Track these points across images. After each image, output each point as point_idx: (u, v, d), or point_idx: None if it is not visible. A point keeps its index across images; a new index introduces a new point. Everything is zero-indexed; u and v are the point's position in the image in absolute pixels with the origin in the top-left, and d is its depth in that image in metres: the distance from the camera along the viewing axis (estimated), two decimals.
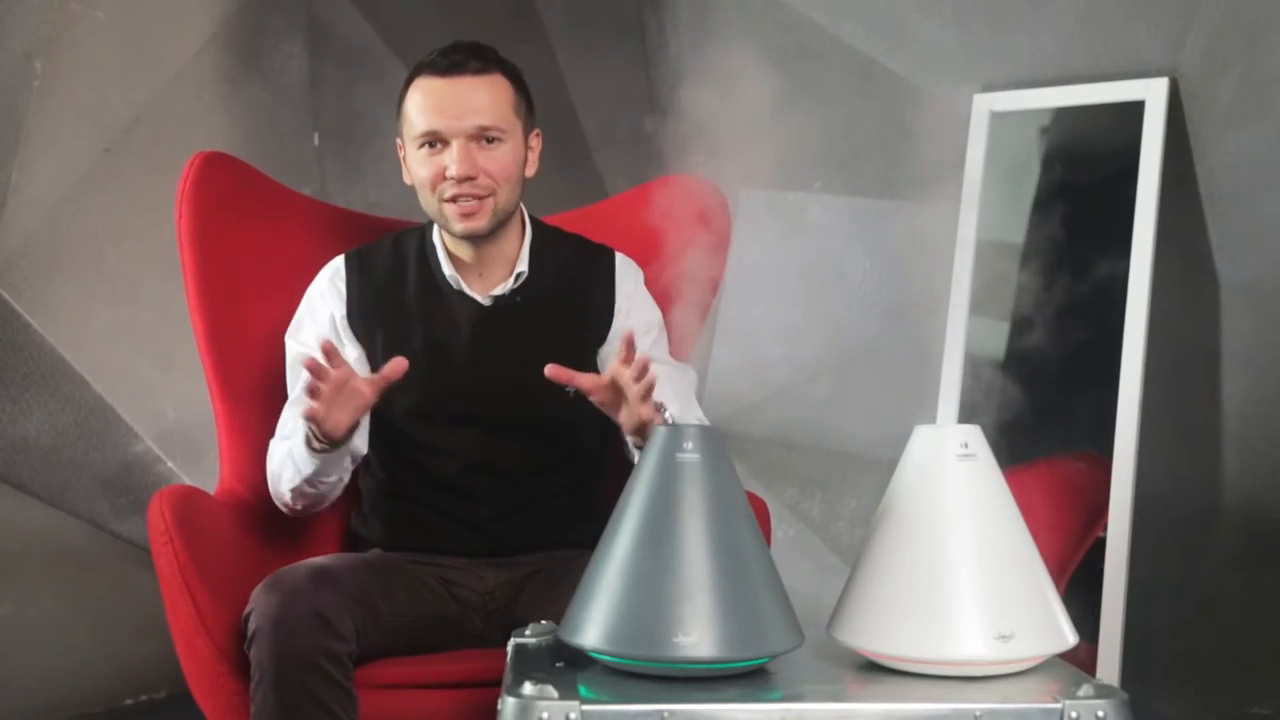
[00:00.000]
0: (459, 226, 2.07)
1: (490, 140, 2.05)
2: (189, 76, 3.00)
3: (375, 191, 3.20)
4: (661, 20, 3.34)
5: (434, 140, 2.05)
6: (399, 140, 2.13)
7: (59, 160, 2.83)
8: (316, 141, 3.20)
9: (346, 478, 2.09)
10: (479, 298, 2.13)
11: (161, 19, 2.98)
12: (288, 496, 2.05)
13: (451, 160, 2.03)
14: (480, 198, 2.05)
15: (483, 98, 2.05)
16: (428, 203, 2.09)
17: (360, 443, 2.10)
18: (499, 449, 2.10)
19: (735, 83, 3.09)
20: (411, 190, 2.14)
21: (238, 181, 2.34)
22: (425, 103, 2.05)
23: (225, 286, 2.27)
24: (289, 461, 2.01)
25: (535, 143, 2.15)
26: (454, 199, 2.05)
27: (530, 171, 2.14)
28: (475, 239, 2.10)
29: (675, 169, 3.17)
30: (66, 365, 2.85)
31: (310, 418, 1.89)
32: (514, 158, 2.08)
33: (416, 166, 2.07)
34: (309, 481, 2.02)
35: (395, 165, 2.19)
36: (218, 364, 2.25)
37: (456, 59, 2.05)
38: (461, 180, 2.03)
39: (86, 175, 2.87)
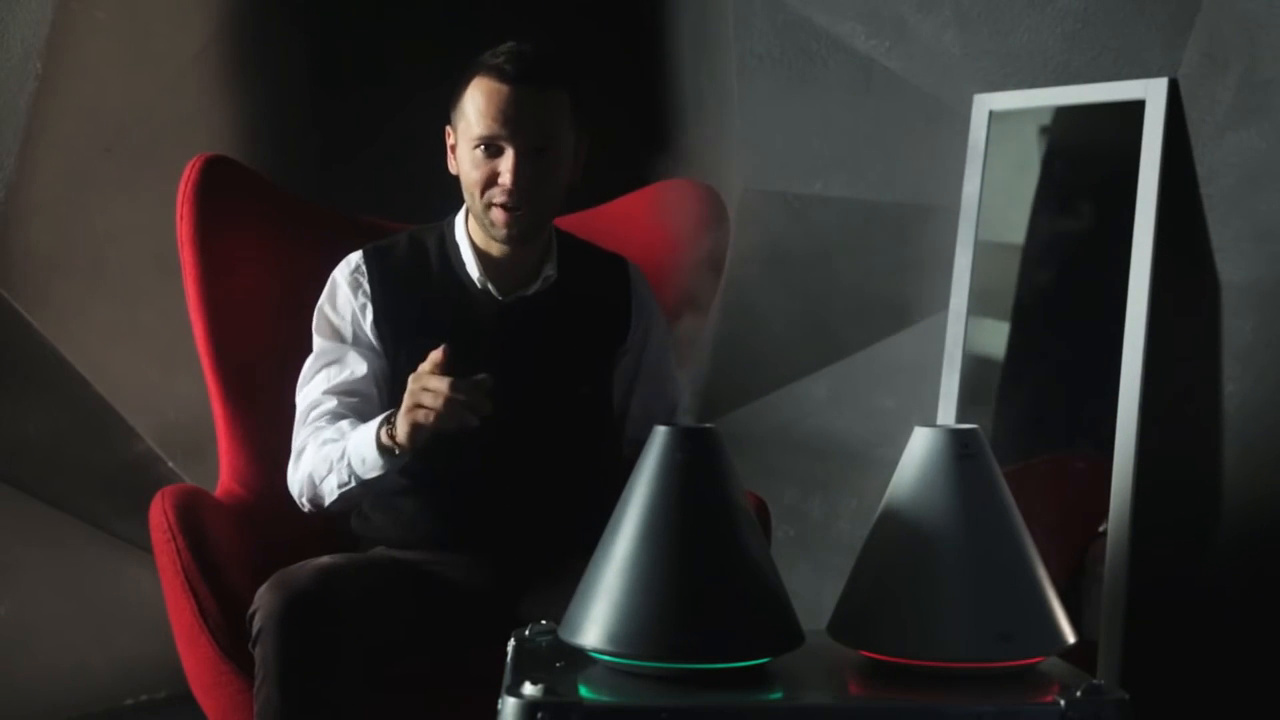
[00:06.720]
0: (501, 232, 2.08)
1: (544, 153, 2.05)
2: (189, 76, 3.00)
3: (375, 192, 3.20)
4: (662, 20, 3.34)
5: (490, 144, 2.04)
6: (448, 128, 2.12)
7: (59, 160, 2.83)
8: (317, 142, 3.20)
9: None
10: (502, 297, 2.13)
11: (161, 19, 2.98)
12: (331, 498, 2.04)
13: (506, 170, 2.03)
14: (526, 208, 2.06)
15: (544, 113, 2.05)
16: (473, 201, 2.09)
17: None
18: (510, 449, 2.10)
19: (735, 83, 3.10)
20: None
21: (238, 184, 2.35)
22: (487, 107, 2.03)
23: (225, 289, 2.27)
24: (342, 465, 2.00)
25: (583, 149, 2.14)
26: (502, 205, 2.06)
27: (575, 176, 2.14)
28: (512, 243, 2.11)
29: (676, 169, 3.17)
30: (66, 365, 2.85)
31: (424, 422, 1.87)
32: (563, 170, 2.10)
33: (469, 166, 2.07)
34: (363, 484, 2.00)
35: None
36: (218, 366, 2.26)
37: (523, 67, 2.04)
38: (513, 192, 2.04)
39: (86, 175, 2.87)
